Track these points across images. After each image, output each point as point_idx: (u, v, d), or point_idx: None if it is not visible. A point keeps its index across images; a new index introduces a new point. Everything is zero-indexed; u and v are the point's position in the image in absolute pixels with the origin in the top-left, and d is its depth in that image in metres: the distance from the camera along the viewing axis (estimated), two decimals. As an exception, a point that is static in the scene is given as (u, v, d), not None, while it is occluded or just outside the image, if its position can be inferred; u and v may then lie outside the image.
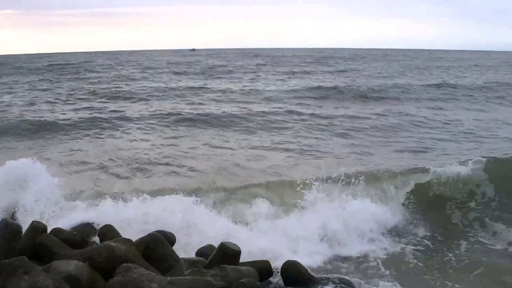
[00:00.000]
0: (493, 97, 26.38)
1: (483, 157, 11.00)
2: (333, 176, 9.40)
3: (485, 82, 32.98)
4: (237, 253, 5.90)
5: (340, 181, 9.25)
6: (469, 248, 8.09)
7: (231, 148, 13.54)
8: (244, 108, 20.51)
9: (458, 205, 9.70)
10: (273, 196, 9.20)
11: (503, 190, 10.01)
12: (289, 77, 37.51)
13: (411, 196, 9.72)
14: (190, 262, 6.06)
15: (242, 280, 5.40)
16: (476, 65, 61.12)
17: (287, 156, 12.66)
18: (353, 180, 9.28)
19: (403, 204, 9.53)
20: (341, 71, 45.42)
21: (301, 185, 9.17)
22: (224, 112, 19.06)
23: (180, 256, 6.11)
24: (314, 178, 9.36)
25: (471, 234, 8.67)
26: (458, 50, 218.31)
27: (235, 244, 6.02)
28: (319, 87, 28.00)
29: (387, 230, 8.58)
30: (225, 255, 5.83)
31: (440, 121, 18.48)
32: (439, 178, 10.13)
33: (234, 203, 9.03)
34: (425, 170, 10.43)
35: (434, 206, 9.70)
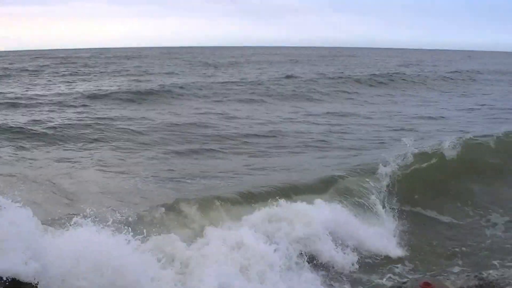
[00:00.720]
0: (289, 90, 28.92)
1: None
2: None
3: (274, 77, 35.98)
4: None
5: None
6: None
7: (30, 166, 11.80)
8: (27, 116, 19.13)
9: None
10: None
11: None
12: (74, 80, 36.26)
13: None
14: None
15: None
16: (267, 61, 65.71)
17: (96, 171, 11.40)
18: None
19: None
20: (127, 69, 45.50)
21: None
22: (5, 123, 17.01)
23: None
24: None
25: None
26: (237, 47, 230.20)
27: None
28: (107, 89, 27.67)
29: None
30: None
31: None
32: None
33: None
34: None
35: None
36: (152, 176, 11.04)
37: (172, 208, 8.46)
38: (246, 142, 15.46)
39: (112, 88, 28.63)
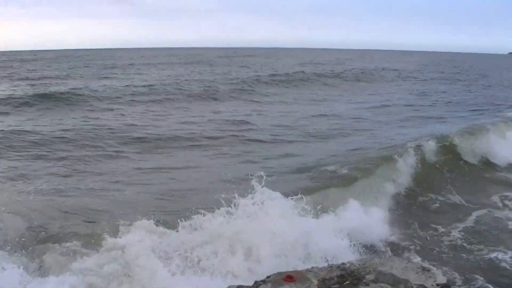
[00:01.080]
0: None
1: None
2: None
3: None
4: None
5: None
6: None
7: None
8: None
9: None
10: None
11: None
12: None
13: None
14: None
15: None
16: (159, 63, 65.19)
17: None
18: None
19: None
20: (23, 72, 43.72)
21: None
22: None
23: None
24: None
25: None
26: (135, 48, 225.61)
27: None
28: (1, 93, 26.24)
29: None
30: None
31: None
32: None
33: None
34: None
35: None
36: (48, 186, 10.67)
37: (69, 226, 8.19)
38: (151, 143, 15.56)
39: (6, 92, 27.31)
